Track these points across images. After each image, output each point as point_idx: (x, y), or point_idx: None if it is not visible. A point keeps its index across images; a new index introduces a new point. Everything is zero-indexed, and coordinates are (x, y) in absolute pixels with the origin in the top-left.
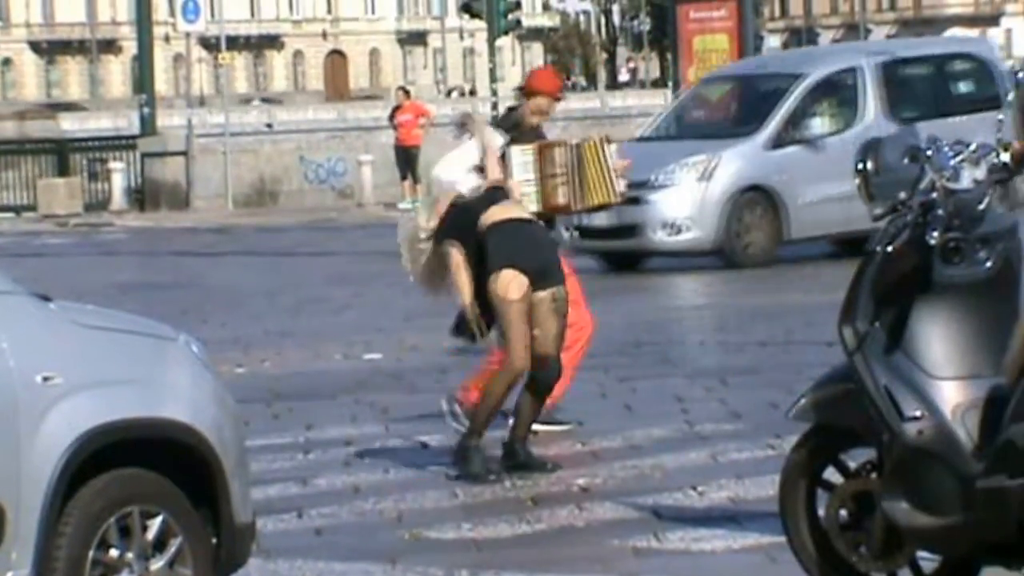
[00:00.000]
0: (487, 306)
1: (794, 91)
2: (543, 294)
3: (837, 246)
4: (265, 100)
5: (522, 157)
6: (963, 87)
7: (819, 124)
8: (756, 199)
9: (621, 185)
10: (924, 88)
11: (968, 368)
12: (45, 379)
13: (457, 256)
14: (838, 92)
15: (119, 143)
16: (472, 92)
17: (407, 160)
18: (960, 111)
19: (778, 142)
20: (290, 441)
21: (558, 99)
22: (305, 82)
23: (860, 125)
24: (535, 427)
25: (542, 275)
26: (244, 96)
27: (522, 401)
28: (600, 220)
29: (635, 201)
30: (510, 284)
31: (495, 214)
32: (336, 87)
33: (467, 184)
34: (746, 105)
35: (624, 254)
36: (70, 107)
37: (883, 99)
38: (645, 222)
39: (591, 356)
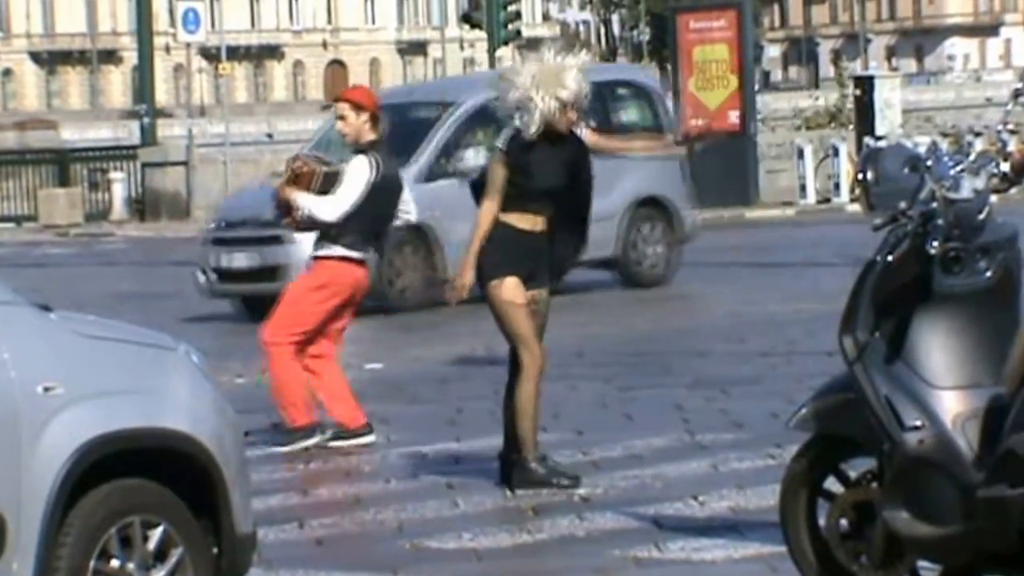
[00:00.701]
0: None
1: (447, 120)
2: (528, 294)
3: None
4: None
5: None
6: (624, 116)
7: (476, 155)
8: (408, 238)
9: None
10: (587, 115)
11: (968, 378)
12: (46, 389)
13: (499, 176)
14: (495, 121)
15: (119, 153)
16: None
17: None
18: None
19: (431, 175)
20: (291, 451)
21: (358, 108)
22: (305, 92)
23: None
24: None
25: (529, 278)
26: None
27: (511, 413)
28: (239, 262)
29: (277, 241)
30: (515, 290)
31: (512, 217)
32: (336, 97)
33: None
34: (396, 136)
35: (265, 298)
36: (162, 113)
37: None
38: (289, 264)
39: (592, 366)
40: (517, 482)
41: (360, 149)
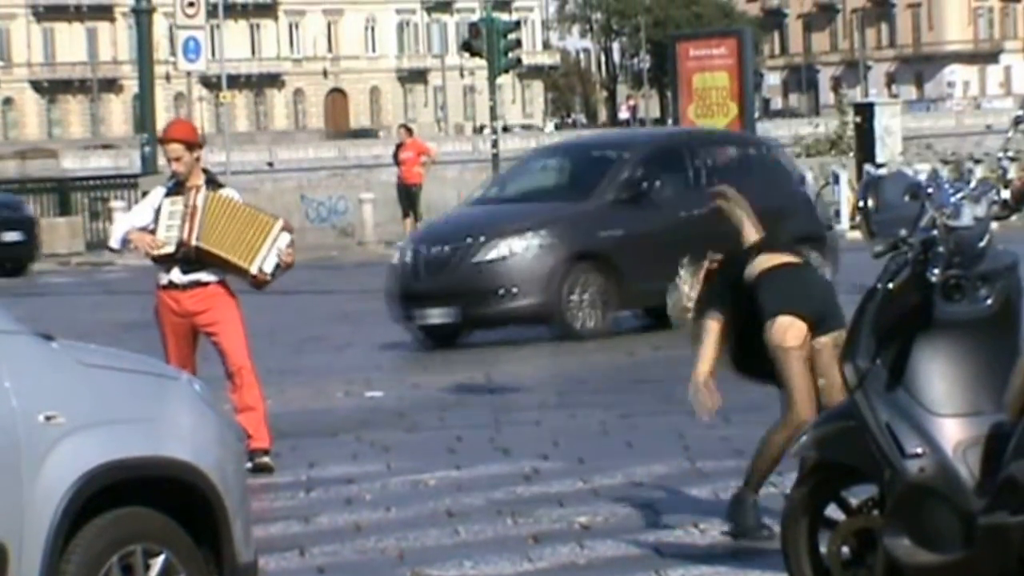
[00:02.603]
0: (762, 358)
1: None
2: (825, 339)
3: None
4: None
5: (170, 207)
6: None
7: None
8: None
9: (268, 263)
10: None
11: (969, 405)
12: (48, 418)
13: (714, 327)
14: None
15: (120, 182)
16: (478, 130)
17: (409, 198)
18: None
19: None
20: (292, 479)
21: (191, 146)
22: (306, 120)
23: None
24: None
25: (822, 319)
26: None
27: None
28: None
29: None
30: (787, 331)
31: (763, 263)
32: (336, 125)
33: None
34: None
35: None
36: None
37: None
38: None
39: (593, 394)
40: (729, 514)
41: (210, 182)
